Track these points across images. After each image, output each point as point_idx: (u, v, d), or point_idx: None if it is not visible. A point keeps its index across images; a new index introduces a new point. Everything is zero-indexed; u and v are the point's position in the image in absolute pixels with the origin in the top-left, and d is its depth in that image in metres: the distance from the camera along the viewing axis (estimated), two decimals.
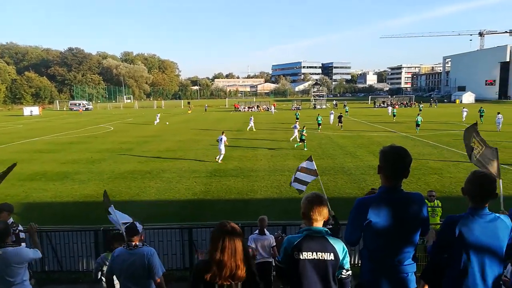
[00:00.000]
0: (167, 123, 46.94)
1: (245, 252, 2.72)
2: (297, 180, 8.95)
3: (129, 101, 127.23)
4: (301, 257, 2.78)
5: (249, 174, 17.50)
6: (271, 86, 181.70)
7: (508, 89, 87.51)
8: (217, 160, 20.37)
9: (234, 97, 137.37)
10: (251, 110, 71.23)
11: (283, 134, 32.91)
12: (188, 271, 8.54)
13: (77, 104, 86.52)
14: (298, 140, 24.51)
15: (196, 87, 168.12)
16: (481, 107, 41.97)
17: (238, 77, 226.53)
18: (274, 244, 6.83)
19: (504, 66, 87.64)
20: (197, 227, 9.08)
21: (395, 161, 2.89)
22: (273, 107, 67.99)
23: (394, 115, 44.79)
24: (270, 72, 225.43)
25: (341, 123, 36.43)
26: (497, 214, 2.92)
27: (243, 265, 2.67)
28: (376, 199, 2.91)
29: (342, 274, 2.88)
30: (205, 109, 75.26)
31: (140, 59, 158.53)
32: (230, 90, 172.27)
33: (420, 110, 43.21)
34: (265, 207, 12.89)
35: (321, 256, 2.78)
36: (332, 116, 40.43)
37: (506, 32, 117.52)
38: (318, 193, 2.96)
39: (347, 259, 2.88)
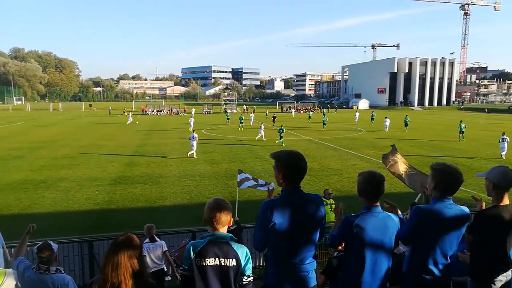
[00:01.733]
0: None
1: (137, 266, 2.48)
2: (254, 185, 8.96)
3: (20, 102, 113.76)
4: (203, 263, 2.73)
5: (158, 180, 16.87)
6: (181, 89, 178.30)
7: (396, 97, 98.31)
8: (189, 155, 22.38)
9: (142, 100, 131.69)
10: (159, 114, 69.14)
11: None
12: None
13: None
14: (279, 137, 28.26)
15: (99, 89, 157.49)
16: (373, 112, 51.85)
17: (145, 79, 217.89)
18: (166, 248, 6.81)
19: (393, 76, 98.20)
20: (98, 239, 8.43)
21: (291, 165, 3.03)
22: (193, 110, 66.91)
23: (309, 117, 53.99)
24: (180, 75, 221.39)
25: (274, 123, 41.78)
26: (388, 213, 3.19)
27: (129, 280, 2.43)
28: (279, 201, 3.00)
29: (243, 280, 2.83)
30: (109, 112, 70.81)
31: (34, 56, 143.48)
32: (137, 92, 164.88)
33: (324, 113, 53.13)
34: (175, 214, 12.55)
35: (223, 262, 2.74)
36: (252, 118, 46.66)
37: (394, 45, 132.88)
38: (220, 199, 2.92)
39: (250, 265, 2.85)
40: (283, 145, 27.26)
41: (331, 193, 10.27)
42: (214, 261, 2.73)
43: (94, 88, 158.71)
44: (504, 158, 22.05)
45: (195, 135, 23.13)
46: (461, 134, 30.46)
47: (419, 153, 24.17)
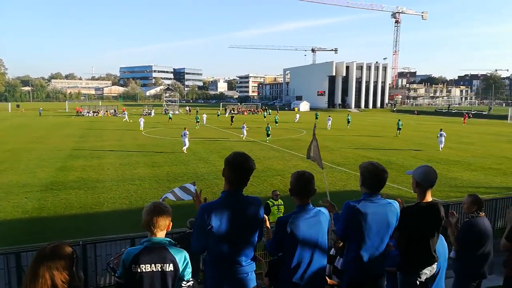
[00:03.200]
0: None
1: (62, 278, 2.25)
2: (172, 193, 8.59)
3: None
4: (139, 270, 2.64)
5: (94, 185, 16.01)
6: (119, 89, 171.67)
7: (334, 99, 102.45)
8: (183, 150, 24.60)
9: (76, 100, 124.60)
10: (95, 115, 65.97)
11: (132, 140, 31.36)
12: None
13: None
14: (267, 136, 31.47)
15: (28, 88, 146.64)
16: (317, 112, 58.69)
17: (80, 79, 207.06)
18: None
19: (331, 79, 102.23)
20: (26, 250, 7.77)
21: (235, 167, 3.01)
22: (153, 112, 67.01)
23: (265, 117, 59.91)
24: (118, 74, 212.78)
25: (232, 122, 45.70)
26: (318, 208, 3.28)
27: None
28: (218, 204, 2.97)
29: (182, 285, 2.77)
30: (40, 113, 66.06)
31: None
32: (71, 92, 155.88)
33: (269, 114, 62.48)
34: (113, 221, 11.99)
35: (160, 268, 2.67)
36: (205, 118, 48.96)
37: (332, 50, 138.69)
38: (159, 203, 2.84)
39: (189, 270, 2.80)
40: (267, 141, 30.73)
41: (279, 194, 10.26)
42: (151, 267, 2.65)
43: (23, 88, 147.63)
44: (440, 150, 25.98)
45: (187, 132, 25.33)
46: (398, 131, 35.98)
47: (356, 151, 25.34)
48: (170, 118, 53.76)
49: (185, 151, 24.61)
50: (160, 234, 2.76)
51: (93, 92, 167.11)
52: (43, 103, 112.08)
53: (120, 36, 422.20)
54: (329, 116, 45.26)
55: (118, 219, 12.12)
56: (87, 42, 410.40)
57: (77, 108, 71.30)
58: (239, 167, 3.00)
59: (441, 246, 3.95)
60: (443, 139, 26.38)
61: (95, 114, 66.81)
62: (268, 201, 9.74)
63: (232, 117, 49.05)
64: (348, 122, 45.33)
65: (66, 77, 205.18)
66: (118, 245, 8.10)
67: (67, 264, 2.28)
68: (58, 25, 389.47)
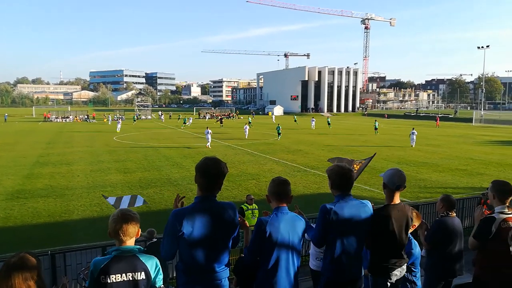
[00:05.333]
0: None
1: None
2: (117, 199, 8.58)
3: None
4: (108, 280, 2.55)
5: (63, 193, 15.50)
6: (89, 94, 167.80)
7: (307, 103, 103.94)
8: (208, 146, 28.91)
9: (44, 106, 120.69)
10: (65, 121, 64.15)
11: (104, 146, 30.62)
12: None
13: None
14: (278, 135, 35.71)
15: None
16: (294, 116, 65.29)
17: (48, 83, 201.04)
18: None
19: (304, 84, 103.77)
20: None
21: (205, 173, 2.99)
22: (138, 116, 68.05)
23: (249, 122, 58.89)
24: (88, 79, 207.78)
25: (221, 123, 52.04)
26: (294, 213, 3.33)
27: None
28: (190, 210, 2.94)
29: None
30: (5, 119, 63.61)
31: None
32: (38, 97, 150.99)
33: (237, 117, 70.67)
34: (84, 229, 11.64)
35: (131, 277, 2.60)
36: (191, 120, 55.87)
37: (304, 55, 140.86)
38: (126, 210, 2.78)
39: (160, 276, 2.76)
40: (278, 139, 34.66)
41: (253, 198, 10.23)
42: (121, 277, 2.58)
43: None
44: (413, 146, 29.50)
45: (210, 130, 29.64)
46: (376, 130, 40.58)
47: (329, 155, 25.64)
48: (134, 120, 60.39)
49: (209, 147, 28.76)
50: (130, 242, 2.70)
51: (61, 97, 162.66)
52: (8, 109, 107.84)
53: (90, 39, 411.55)
54: (313, 118, 52.78)
55: (89, 227, 11.77)
56: (55, 46, 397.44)
57: (44, 114, 69.10)
58: (208, 172, 2.98)
59: (412, 247, 4.04)
60: (414, 137, 29.81)
61: (64, 120, 64.95)
62: (242, 205, 9.72)
63: (221, 119, 54.95)
64: (329, 124, 50.37)
65: (33, 81, 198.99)
66: (89, 253, 7.86)
67: (35, 273, 2.30)
68: (24, 28, 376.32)
